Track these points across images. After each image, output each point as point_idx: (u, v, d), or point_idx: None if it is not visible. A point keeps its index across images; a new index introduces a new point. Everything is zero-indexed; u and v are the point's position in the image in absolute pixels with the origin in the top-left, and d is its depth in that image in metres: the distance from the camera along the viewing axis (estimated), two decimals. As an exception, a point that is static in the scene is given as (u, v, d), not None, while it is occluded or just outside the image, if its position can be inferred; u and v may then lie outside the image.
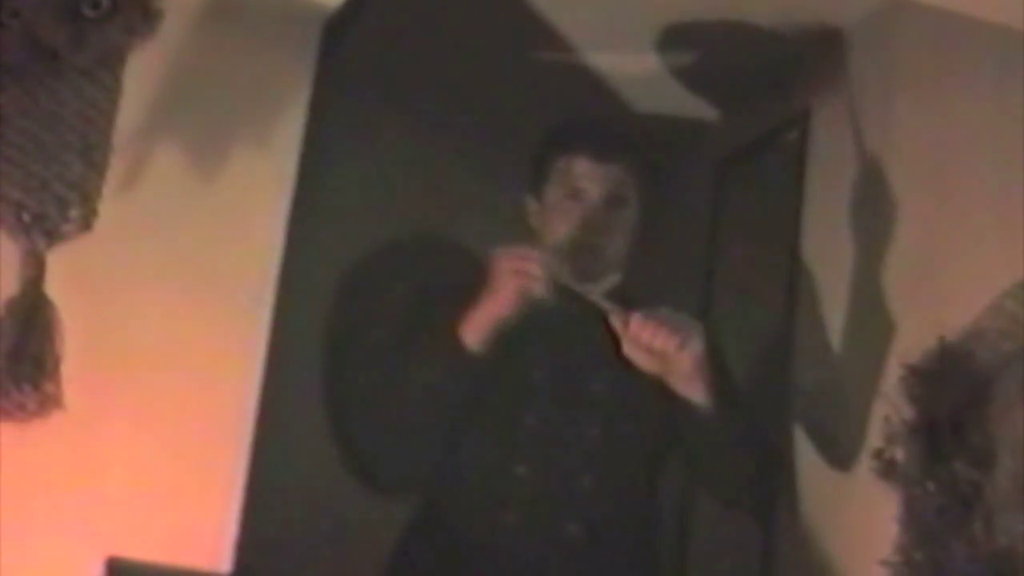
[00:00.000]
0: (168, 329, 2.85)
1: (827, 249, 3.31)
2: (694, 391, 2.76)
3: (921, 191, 3.16)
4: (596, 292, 2.89)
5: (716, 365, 2.83)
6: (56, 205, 2.79)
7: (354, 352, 3.82)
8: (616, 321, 2.74)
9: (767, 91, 3.60)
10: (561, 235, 2.90)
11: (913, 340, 2.96)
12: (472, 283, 2.81)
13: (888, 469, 2.94)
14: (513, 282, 2.73)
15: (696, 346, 2.72)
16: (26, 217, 2.78)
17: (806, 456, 3.21)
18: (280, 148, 2.98)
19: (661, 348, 2.70)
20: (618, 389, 2.85)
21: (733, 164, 3.74)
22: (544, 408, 2.84)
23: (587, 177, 2.91)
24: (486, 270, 2.78)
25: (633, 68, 3.69)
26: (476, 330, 2.76)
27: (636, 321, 2.71)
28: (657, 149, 3.10)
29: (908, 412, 2.94)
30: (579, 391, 2.85)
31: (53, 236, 2.79)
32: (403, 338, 2.97)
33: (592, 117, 3.51)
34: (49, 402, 2.74)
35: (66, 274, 2.79)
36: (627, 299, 2.94)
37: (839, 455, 3.12)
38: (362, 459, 3.37)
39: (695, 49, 3.55)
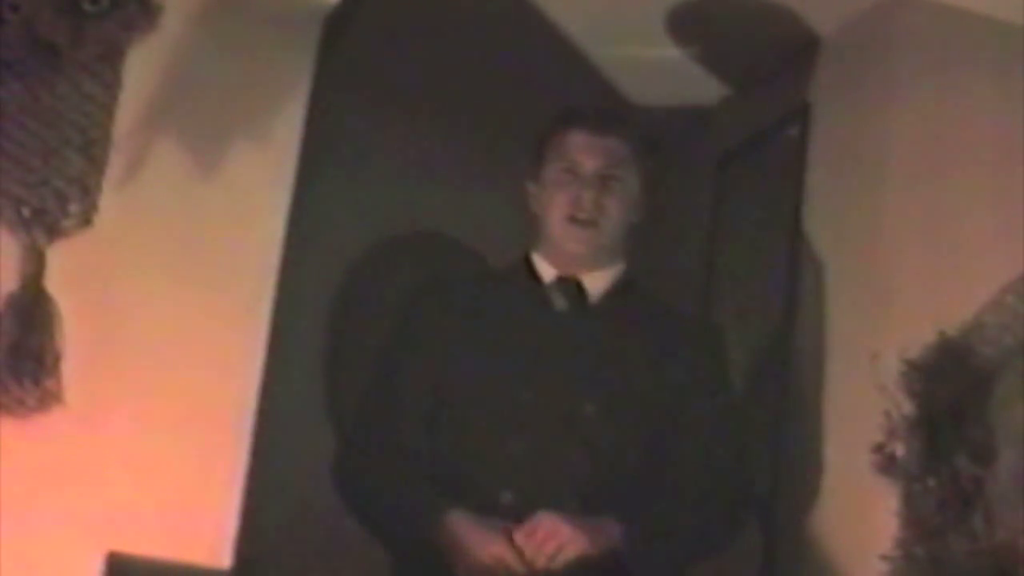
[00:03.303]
0: (168, 325, 2.85)
1: (828, 244, 3.31)
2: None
3: (921, 186, 3.16)
4: (601, 284, 2.87)
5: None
6: (56, 200, 2.79)
7: (354, 348, 3.82)
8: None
9: (775, 76, 3.60)
10: (555, 212, 2.86)
11: (913, 334, 2.96)
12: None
13: (888, 464, 2.94)
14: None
15: (571, 549, 2.68)
16: (26, 212, 2.78)
17: (806, 454, 3.21)
18: (280, 143, 2.98)
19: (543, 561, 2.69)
20: (606, 411, 2.81)
21: (734, 159, 3.74)
22: (527, 432, 2.80)
23: (583, 149, 2.87)
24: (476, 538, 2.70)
25: (634, 61, 3.69)
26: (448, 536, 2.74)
27: (519, 535, 2.68)
28: (659, 141, 3.07)
29: (908, 407, 2.95)
30: (566, 415, 2.81)
31: (53, 231, 2.79)
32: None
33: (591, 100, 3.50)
34: (49, 398, 2.74)
35: (66, 270, 2.79)
36: (632, 293, 2.92)
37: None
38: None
39: (699, 31, 3.54)
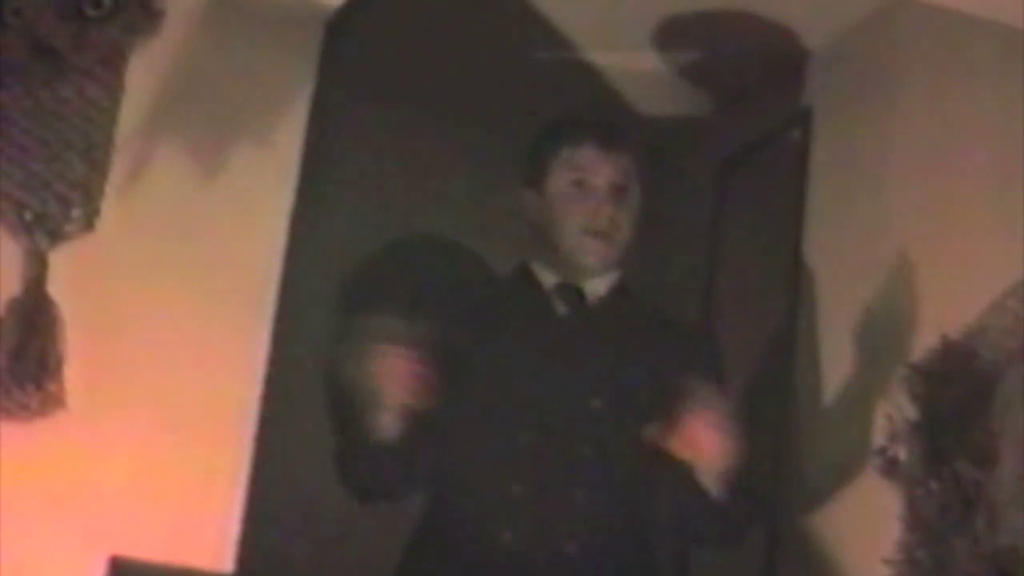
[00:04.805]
0: (171, 329, 2.85)
1: (829, 248, 3.31)
2: (714, 484, 2.75)
3: (922, 189, 3.16)
4: (599, 288, 2.88)
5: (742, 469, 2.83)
6: (58, 204, 2.80)
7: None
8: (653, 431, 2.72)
9: (772, 86, 3.60)
10: (568, 225, 2.87)
11: (916, 338, 2.96)
12: None
13: (891, 468, 2.94)
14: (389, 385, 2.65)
15: (731, 449, 2.70)
16: (28, 216, 2.78)
17: (808, 454, 3.21)
18: (282, 147, 2.98)
19: (707, 449, 2.69)
20: (613, 407, 2.83)
21: (735, 163, 3.74)
22: (537, 428, 2.81)
23: (594, 166, 2.87)
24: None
25: (634, 66, 3.69)
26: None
27: (690, 422, 2.68)
28: (659, 148, 3.08)
29: (910, 411, 2.95)
30: (574, 411, 2.82)
31: (55, 235, 2.79)
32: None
33: (592, 111, 3.50)
34: (52, 401, 2.75)
35: (68, 273, 2.80)
36: (628, 297, 2.93)
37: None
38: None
39: (697, 42, 3.55)
